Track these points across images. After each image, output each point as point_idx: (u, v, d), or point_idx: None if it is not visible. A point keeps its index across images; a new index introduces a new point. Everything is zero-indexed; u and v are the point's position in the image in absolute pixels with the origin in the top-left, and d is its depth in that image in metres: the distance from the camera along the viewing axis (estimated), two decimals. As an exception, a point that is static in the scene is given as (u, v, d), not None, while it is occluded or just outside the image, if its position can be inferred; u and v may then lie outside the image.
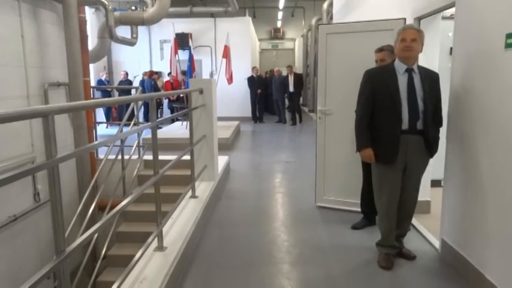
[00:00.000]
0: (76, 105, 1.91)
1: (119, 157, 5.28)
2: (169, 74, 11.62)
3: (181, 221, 3.45)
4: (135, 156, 5.85)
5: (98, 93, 11.54)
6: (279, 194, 5.05)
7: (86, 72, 5.69)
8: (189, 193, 4.06)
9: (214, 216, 4.13)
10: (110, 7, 5.24)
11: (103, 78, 11.55)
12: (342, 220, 3.89)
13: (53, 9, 5.22)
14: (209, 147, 4.66)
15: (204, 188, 4.42)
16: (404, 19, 3.78)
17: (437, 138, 2.88)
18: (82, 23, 5.47)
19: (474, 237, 2.68)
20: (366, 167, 3.55)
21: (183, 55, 11.17)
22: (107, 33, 5.54)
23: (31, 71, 4.76)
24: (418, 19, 3.94)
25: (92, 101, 3.28)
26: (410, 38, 2.76)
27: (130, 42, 6.35)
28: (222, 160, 5.83)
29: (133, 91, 10.99)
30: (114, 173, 5.07)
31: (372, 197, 3.59)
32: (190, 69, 9.03)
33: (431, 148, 2.84)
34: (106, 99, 3.88)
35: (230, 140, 8.20)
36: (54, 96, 5.19)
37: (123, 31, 7.15)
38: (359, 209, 3.84)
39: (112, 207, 4.11)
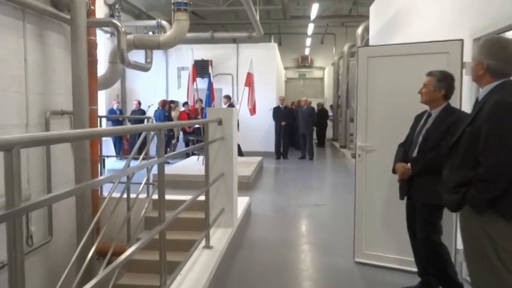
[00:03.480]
0: (48, 136, 1.65)
1: (125, 195, 5.05)
2: (184, 104, 11.58)
3: (192, 277, 3.11)
4: (143, 195, 5.62)
5: (109, 124, 11.60)
6: (308, 245, 4.64)
7: (94, 100, 5.58)
8: (203, 242, 3.73)
9: (231, 272, 3.77)
10: (123, 29, 5.19)
11: (114, 107, 11.62)
12: (389, 282, 3.46)
13: (61, 32, 5.21)
14: (228, 187, 4.37)
15: (220, 236, 4.09)
16: (462, 40, 3.49)
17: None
18: (92, 46, 5.43)
19: None
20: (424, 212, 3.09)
21: (202, 83, 11.18)
22: (119, 58, 5.48)
23: (32, 98, 4.67)
24: (478, 40, 3.65)
25: (72, 131, 3.07)
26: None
27: (144, 68, 6.26)
28: (242, 202, 5.51)
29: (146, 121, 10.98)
30: (118, 213, 4.84)
31: (433, 253, 3.15)
32: (209, 98, 8.92)
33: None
34: (95, 129, 3.71)
35: (251, 178, 7.89)
36: (57, 125, 5.07)
37: (137, 56, 7.15)
38: (412, 268, 3.40)
39: (114, 254, 3.84)
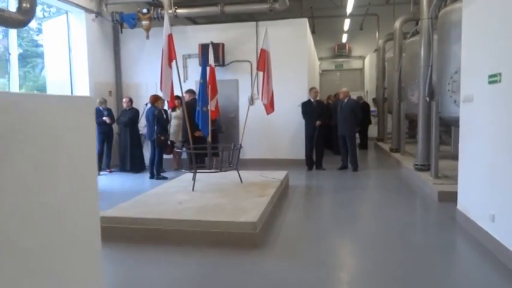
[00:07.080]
0: None
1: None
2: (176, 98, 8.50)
3: None
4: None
5: (96, 129, 8.86)
6: None
7: None
8: None
9: None
10: None
11: (101, 107, 8.82)
12: None
13: None
14: None
15: None
16: None
17: None
18: None
19: None
20: None
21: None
22: None
23: None
24: None
25: None
26: None
27: (11, 20, 3.16)
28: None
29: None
30: None
31: None
32: (204, 90, 5.82)
33: None
34: None
35: (259, 224, 4.34)
36: None
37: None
38: None
39: None
